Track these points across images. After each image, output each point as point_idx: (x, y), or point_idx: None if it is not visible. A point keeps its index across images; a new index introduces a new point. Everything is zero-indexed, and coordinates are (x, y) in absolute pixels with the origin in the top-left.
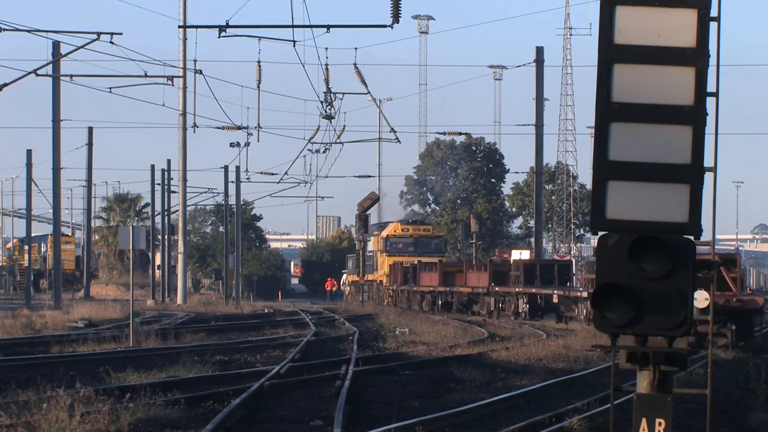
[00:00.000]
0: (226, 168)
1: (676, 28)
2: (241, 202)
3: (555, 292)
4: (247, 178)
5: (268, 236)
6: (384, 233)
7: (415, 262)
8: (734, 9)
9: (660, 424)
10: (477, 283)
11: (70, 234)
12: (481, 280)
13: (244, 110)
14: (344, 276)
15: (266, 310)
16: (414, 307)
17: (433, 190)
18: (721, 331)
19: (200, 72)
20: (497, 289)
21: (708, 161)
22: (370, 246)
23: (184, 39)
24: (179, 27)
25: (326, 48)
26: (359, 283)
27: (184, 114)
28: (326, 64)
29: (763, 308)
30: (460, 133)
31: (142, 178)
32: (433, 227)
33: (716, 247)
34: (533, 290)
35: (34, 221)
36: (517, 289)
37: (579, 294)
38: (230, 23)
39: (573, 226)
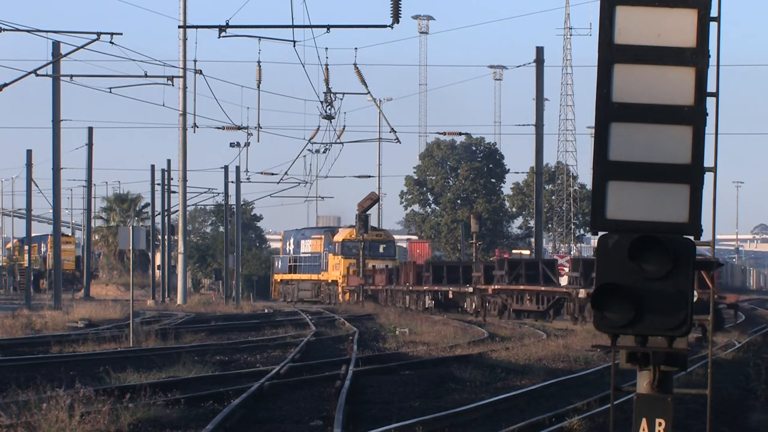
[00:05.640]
0: (226, 168)
1: (676, 28)
2: (241, 202)
3: (450, 288)
4: (247, 178)
5: (268, 236)
6: (340, 237)
7: (387, 265)
8: (735, 9)
9: (660, 424)
10: (409, 282)
11: (70, 234)
12: (410, 280)
13: (244, 110)
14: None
15: (266, 310)
16: (398, 305)
17: (433, 190)
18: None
19: (200, 72)
20: (410, 288)
21: (708, 161)
22: (306, 247)
23: (184, 39)
24: (179, 27)
25: (326, 48)
26: (290, 280)
27: (184, 114)
28: (326, 64)
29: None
30: (460, 133)
31: (142, 178)
32: (385, 233)
33: (715, 247)
34: (435, 288)
35: (34, 221)
36: (424, 287)
37: (467, 289)
38: (230, 23)
39: (573, 226)
